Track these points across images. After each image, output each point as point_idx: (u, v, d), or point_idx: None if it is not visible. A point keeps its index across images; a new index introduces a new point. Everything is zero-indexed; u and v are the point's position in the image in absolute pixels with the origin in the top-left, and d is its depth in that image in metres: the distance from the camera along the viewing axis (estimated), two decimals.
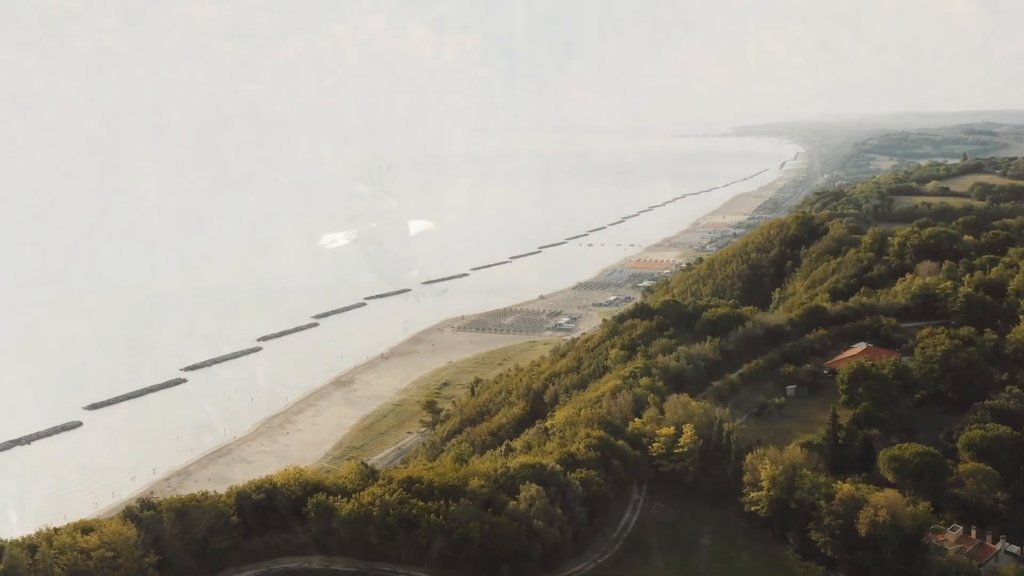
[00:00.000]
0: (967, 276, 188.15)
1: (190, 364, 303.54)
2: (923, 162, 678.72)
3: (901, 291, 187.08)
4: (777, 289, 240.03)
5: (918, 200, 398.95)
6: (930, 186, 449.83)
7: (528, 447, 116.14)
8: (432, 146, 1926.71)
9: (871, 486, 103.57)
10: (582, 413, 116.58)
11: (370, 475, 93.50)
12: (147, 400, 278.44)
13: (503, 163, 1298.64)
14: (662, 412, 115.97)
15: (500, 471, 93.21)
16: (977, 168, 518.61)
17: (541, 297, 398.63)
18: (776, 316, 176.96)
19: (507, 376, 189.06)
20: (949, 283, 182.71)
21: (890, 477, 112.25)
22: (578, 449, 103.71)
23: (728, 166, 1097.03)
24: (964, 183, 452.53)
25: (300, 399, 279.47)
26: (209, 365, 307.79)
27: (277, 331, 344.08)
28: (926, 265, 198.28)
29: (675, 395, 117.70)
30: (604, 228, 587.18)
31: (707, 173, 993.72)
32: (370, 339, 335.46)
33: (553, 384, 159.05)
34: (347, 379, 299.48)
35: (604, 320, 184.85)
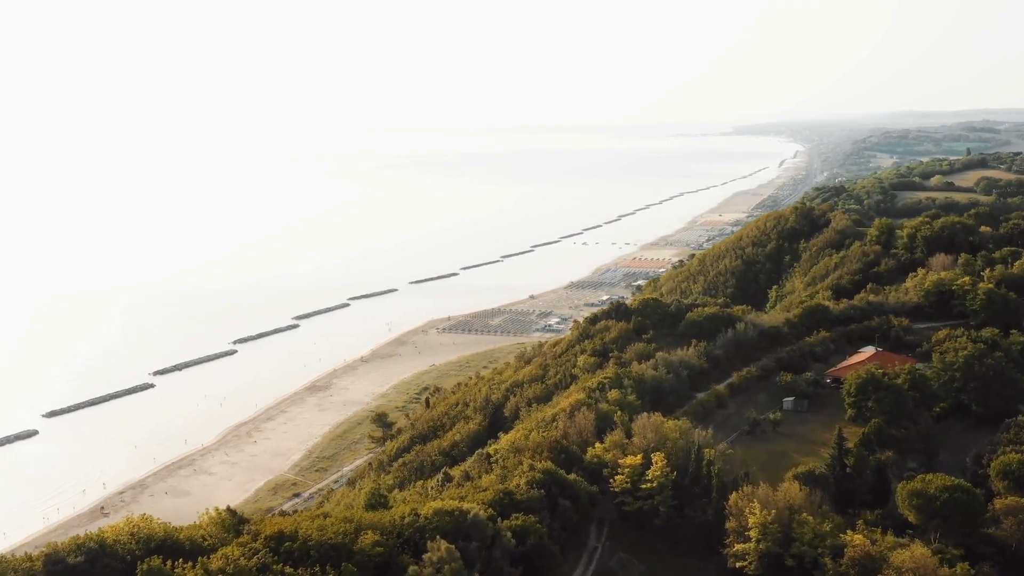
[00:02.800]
0: (987, 271, 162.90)
1: (159, 368, 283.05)
2: (924, 159, 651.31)
3: (913, 288, 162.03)
4: (774, 287, 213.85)
5: (922, 195, 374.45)
6: (934, 181, 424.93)
7: (467, 477, 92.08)
8: (424, 145, 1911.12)
9: (889, 536, 78.78)
10: (531, 437, 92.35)
11: (235, 526, 69.64)
12: (111, 407, 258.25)
13: (498, 163, 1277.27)
14: (629, 435, 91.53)
15: (406, 521, 69.19)
16: (981, 163, 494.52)
17: (531, 297, 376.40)
18: (772, 316, 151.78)
19: (465, 386, 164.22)
20: (967, 278, 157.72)
21: (911, 517, 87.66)
22: (517, 485, 79.52)
23: (727, 164, 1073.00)
24: (969, 178, 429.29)
25: (271, 405, 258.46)
26: (180, 369, 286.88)
27: (254, 333, 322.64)
28: (940, 259, 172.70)
29: (645, 414, 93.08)
30: (599, 226, 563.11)
31: (706, 172, 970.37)
32: (351, 341, 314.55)
33: (515, 395, 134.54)
34: (323, 383, 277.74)
35: (576, 321, 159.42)
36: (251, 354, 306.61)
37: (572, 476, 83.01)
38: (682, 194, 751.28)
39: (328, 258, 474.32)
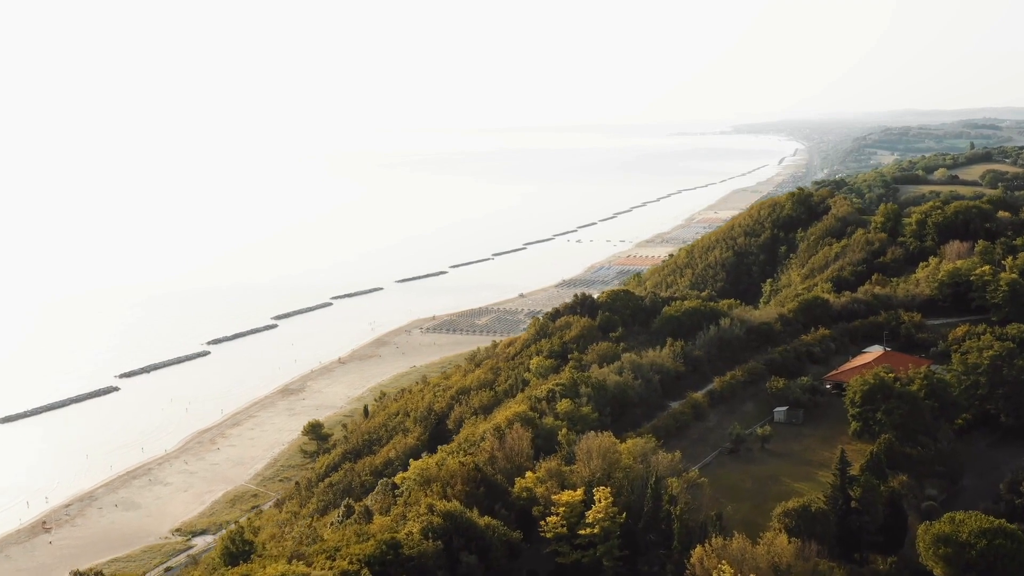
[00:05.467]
0: (1008, 259, 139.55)
1: (126, 371, 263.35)
2: (927, 155, 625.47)
3: (924, 279, 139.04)
4: (768, 280, 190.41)
5: (925, 189, 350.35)
6: (938, 174, 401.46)
7: (366, 514, 70.03)
8: (426, 144, 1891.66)
9: None
10: (447, 463, 70.19)
11: None
12: (70, 411, 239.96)
13: (498, 161, 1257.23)
14: (569, 460, 69.19)
15: None
16: (986, 157, 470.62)
17: (521, 296, 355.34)
18: (763, 312, 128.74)
19: (409, 392, 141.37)
20: (987, 268, 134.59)
21: (937, 570, 65.01)
22: (410, 534, 57.49)
23: (726, 162, 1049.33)
24: (973, 172, 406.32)
25: (239, 410, 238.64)
26: (148, 371, 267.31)
27: (230, 334, 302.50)
28: (955, 246, 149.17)
29: (592, 433, 70.73)
30: (594, 224, 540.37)
31: (705, 170, 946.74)
32: (331, 342, 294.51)
33: (460, 404, 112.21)
34: (297, 386, 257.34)
35: (534, 318, 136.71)
36: (225, 355, 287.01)
37: (485, 520, 60.53)
38: (680, 192, 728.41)
39: (320, 257, 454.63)
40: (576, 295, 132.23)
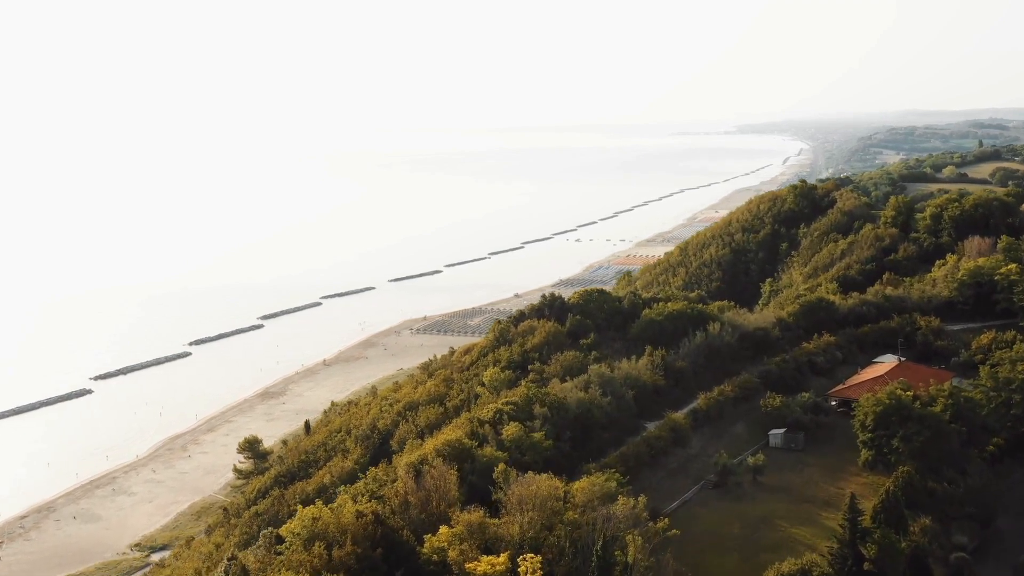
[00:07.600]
0: None
1: (101, 372, 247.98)
2: (934, 154, 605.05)
3: (942, 279, 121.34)
4: (768, 280, 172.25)
5: (934, 187, 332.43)
6: (946, 172, 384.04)
7: (242, 574, 53.39)
8: (427, 144, 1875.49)
9: None
10: (345, 511, 53.30)
11: None
12: (38, 415, 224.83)
13: (499, 161, 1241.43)
14: (495, 511, 52.19)
15: None
16: (995, 155, 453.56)
17: (517, 296, 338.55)
18: (759, 316, 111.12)
19: (356, 406, 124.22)
20: (1012, 266, 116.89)
21: None
22: None
23: (729, 162, 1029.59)
24: (982, 170, 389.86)
25: (216, 414, 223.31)
26: (125, 373, 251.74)
27: (213, 334, 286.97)
28: (975, 242, 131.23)
29: (530, 474, 53.73)
30: (594, 223, 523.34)
31: (708, 169, 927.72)
32: (318, 343, 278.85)
33: (407, 421, 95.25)
34: (278, 390, 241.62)
35: (497, 321, 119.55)
36: (206, 357, 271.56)
37: None
38: (682, 191, 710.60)
39: (318, 257, 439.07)
40: (544, 295, 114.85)
